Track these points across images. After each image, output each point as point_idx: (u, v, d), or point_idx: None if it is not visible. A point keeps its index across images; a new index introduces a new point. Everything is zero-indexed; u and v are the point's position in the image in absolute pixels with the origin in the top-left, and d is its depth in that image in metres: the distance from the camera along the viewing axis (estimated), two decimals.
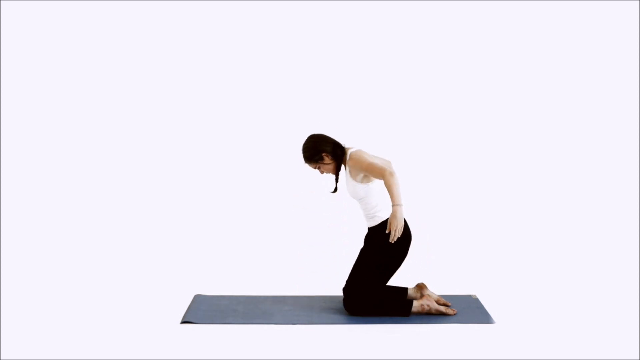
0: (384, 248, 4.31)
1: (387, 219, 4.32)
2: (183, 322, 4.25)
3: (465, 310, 4.46)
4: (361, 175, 4.31)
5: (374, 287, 4.33)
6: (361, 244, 4.49)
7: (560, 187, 6.26)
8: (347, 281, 4.40)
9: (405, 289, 4.49)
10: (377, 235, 4.36)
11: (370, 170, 4.23)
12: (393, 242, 4.19)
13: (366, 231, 4.45)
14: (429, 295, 4.44)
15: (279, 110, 6.31)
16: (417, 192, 6.29)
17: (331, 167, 4.42)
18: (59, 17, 6.15)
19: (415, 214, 6.19)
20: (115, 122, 6.26)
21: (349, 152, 4.37)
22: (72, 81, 6.23)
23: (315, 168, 4.43)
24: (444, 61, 6.26)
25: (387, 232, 4.20)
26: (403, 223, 4.18)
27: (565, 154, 6.29)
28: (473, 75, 6.30)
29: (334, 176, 4.46)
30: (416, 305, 4.37)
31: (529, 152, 6.30)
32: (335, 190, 4.48)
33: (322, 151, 4.37)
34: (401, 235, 4.29)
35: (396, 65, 6.23)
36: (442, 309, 4.38)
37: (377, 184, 4.37)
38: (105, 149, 6.25)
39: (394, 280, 4.78)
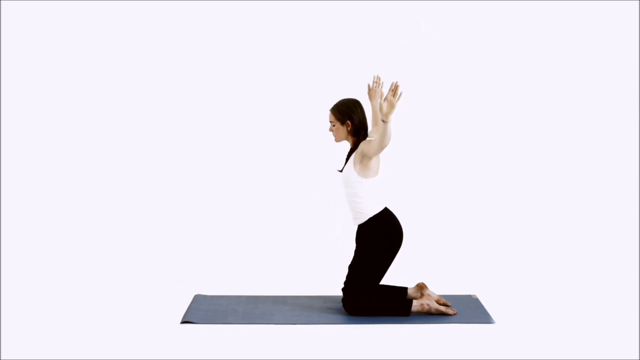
0: (375, 247, 4.32)
1: (374, 216, 4.32)
2: (183, 322, 4.26)
3: (465, 310, 4.46)
4: (361, 163, 4.29)
5: (371, 287, 4.33)
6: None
7: (560, 187, 6.25)
8: (345, 282, 4.40)
9: (405, 289, 4.50)
10: (366, 233, 4.35)
11: (378, 143, 4.16)
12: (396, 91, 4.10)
13: (356, 229, 4.44)
14: (429, 295, 4.44)
15: (279, 110, 6.30)
16: (418, 192, 6.30)
17: (342, 135, 4.39)
18: (59, 17, 6.15)
19: (415, 214, 6.22)
20: (115, 122, 6.25)
21: (367, 139, 4.38)
22: (71, 81, 6.22)
23: (330, 123, 4.42)
24: (444, 60, 6.25)
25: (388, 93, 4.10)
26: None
27: (565, 154, 6.29)
28: (473, 74, 6.29)
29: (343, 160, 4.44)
30: (416, 304, 4.37)
31: (529, 152, 6.30)
32: (342, 170, 4.45)
33: (350, 117, 4.37)
34: (392, 232, 4.32)
35: (396, 64, 6.21)
36: (442, 308, 4.38)
37: (371, 182, 4.35)
38: (105, 149, 6.24)
39: (394, 280, 4.78)
